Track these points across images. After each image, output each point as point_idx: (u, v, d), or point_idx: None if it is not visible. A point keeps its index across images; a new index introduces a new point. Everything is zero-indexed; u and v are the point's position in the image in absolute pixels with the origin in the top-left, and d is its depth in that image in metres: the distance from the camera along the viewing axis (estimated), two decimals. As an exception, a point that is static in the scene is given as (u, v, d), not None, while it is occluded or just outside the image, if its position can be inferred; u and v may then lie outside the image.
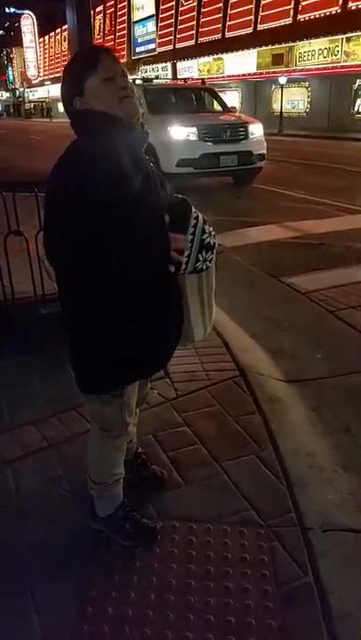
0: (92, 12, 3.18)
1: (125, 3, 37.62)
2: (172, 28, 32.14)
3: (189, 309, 1.66)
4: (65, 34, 46.70)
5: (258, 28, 25.60)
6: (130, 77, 1.58)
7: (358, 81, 22.61)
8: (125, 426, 1.72)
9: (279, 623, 1.54)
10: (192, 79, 16.87)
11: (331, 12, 21.60)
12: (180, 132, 8.46)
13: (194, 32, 30.33)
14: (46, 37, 56.57)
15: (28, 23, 59.04)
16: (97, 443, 1.77)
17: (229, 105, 10.62)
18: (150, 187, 1.49)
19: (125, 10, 37.88)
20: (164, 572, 1.70)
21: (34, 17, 57.46)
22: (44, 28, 54.92)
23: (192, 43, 30.57)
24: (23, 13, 57.92)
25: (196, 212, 1.57)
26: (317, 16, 22.20)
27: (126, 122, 1.48)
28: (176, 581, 1.67)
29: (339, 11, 21.22)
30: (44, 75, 57.54)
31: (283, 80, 23.77)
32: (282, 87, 24.17)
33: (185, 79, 16.01)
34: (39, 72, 59.96)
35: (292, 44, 23.54)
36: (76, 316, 1.55)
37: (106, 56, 1.49)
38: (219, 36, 28.39)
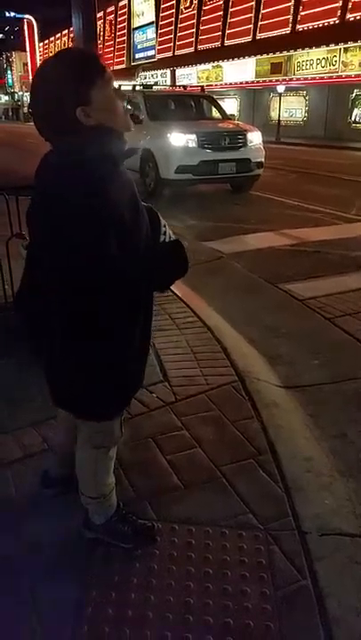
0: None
1: (125, 9, 37.83)
2: (172, 35, 32.31)
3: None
4: (65, 38, 46.89)
5: (257, 37, 25.80)
6: (129, 83, 1.53)
7: (356, 91, 22.80)
8: (122, 435, 1.74)
9: (277, 625, 1.56)
10: (191, 86, 16.96)
11: (329, 22, 21.81)
12: (180, 139, 8.51)
13: (193, 39, 30.51)
14: (46, 41, 56.81)
15: (28, 28, 59.20)
16: (91, 462, 1.74)
17: (228, 112, 10.69)
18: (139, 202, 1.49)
19: (125, 16, 38.09)
20: (163, 574, 1.72)
21: (34, 21, 57.63)
22: (45, 32, 55.08)
23: (191, 50, 30.74)
24: (23, 18, 58.05)
25: (162, 219, 1.57)
26: (316, 26, 22.41)
27: (123, 136, 1.43)
28: (175, 583, 1.68)
29: (337, 21, 21.44)
30: (44, 79, 57.58)
31: (281, 88, 23.93)
32: (280, 95, 24.32)
33: (184, 86, 16.12)
34: (38, 76, 59.98)
35: (290, 53, 23.73)
36: (80, 349, 1.49)
37: (104, 64, 1.37)
38: (218, 43, 28.57)
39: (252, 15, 25.88)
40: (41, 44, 58.64)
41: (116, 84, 1.44)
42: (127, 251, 1.35)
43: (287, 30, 23.92)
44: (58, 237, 1.33)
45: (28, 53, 59.92)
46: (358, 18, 20.44)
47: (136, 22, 36.86)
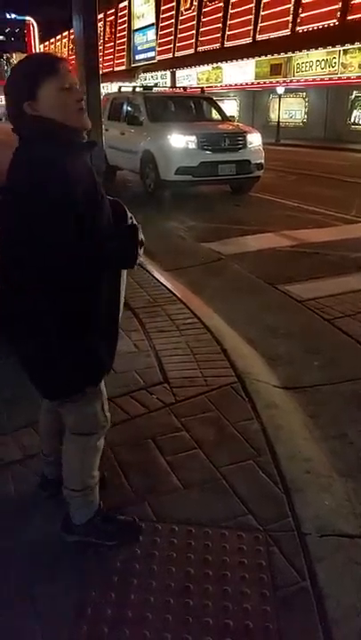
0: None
1: (126, 11, 37.85)
2: (172, 37, 32.33)
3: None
4: (66, 40, 46.94)
5: (257, 39, 25.82)
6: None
7: (355, 92, 22.83)
8: (107, 420, 1.76)
9: (277, 627, 1.56)
10: (191, 87, 16.98)
11: (329, 24, 21.80)
12: (180, 140, 8.52)
13: (193, 41, 30.51)
14: (47, 43, 56.85)
15: (29, 29, 59.21)
16: (78, 453, 1.76)
17: (228, 114, 10.71)
18: (101, 193, 1.57)
19: (126, 18, 38.10)
20: (162, 575, 1.71)
21: (34, 23, 57.69)
22: (46, 34, 55.16)
23: (191, 51, 30.74)
24: (24, 19, 58.10)
25: (128, 212, 1.69)
26: (316, 28, 22.42)
27: (80, 133, 1.53)
28: (175, 584, 1.68)
29: (337, 23, 21.45)
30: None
31: (280, 90, 23.95)
32: (279, 97, 24.32)
33: (184, 87, 16.11)
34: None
35: (290, 55, 23.74)
36: (51, 321, 1.52)
37: (64, 65, 1.51)
38: (218, 45, 28.58)
39: (252, 17, 25.90)
40: (41, 45, 58.69)
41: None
42: (95, 242, 1.46)
43: (287, 32, 23.93)
44: (33, 235, 1.40)
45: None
46: (358, 19, 20.45)
47: (136, 24, 36.85)
